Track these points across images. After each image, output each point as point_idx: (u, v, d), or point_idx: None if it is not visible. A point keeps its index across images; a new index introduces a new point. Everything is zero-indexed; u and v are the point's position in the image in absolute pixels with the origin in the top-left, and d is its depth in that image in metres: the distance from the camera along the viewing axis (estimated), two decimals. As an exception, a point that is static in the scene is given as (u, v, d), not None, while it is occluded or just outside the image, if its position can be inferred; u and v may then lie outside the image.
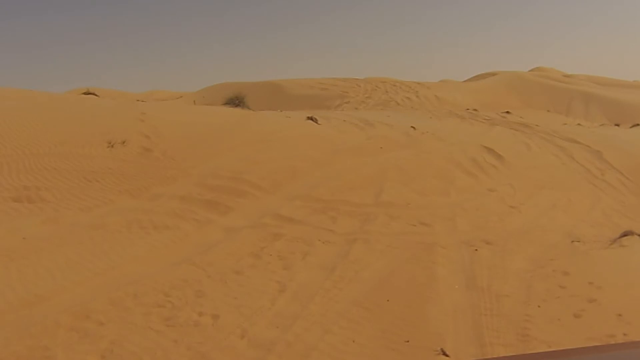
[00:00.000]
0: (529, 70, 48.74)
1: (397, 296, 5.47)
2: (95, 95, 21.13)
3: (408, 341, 4.58)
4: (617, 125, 27.53)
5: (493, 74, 43.59)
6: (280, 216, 8.03)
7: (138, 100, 25.99)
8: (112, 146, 10.04)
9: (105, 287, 5.24)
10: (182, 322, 4.66)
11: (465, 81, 45.48)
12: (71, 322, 4.51)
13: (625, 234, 7.60)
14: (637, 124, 26.28)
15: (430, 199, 9.83)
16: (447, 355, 4.35)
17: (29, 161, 8.99)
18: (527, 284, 5.85)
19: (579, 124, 27.89)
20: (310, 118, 15.96)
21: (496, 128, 20.07)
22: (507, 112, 28.34)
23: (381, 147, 13.26)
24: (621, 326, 4.73)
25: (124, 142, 10.22)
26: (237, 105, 19.39)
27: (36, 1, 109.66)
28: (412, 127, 16.97)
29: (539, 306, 5.26)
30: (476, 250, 7.04)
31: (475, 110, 28.53)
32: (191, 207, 8.07)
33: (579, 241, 7.79)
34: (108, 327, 4.50)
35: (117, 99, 22.66)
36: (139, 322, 4.61)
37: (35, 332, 4.32)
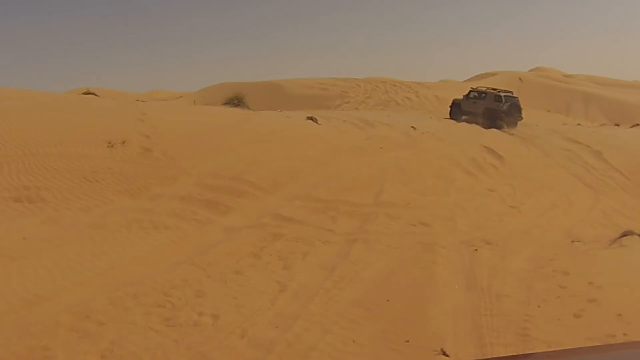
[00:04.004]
0: (529, 70, 48.77)
1: (397, 296, 5.47)
2: (95, 95, 21.14)
3: (408, 341, 4.58)
4: (617, 125, 27.54)
5: (493, 74, 43.62)
6: (280, 216, 8.03)
7: (138, 100, 26.02)
8: (112, 146, 10.04)
9: (105, 287, 5.24)
10: (182, 322, 4.66)
11: (465, 81, 45.47)
12: (71, 322, 4.51)
13: (625, 234, 7.59)
14: (637, 124, 26.30)
15: (430, 199, 9.83)
16: (447, 355, 4.35)
17: (29, 161, 8.99)
18: (527, 284, 5.85)
19: (579, 124, 27.91)
20: (310, 118, 15.97)
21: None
22: (507, 112, 28.28)
23: (381, 147, 13.26)
24: (621, 326, 4.73)
25: (124, 142, 10.22)
26: (237, 105, 19.42)
27: (36, 1, 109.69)
28: (412, 127, 16.98)
29: (539, 306, 5.25)
30: (476, 250, 7.04)
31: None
32: (191, 207, 8.07)
33: (579, 241, 7.80)
34: (108, 327, 4.50)
35: (117, 99, 22.67)
36: (139, 322, 4.61)
37: (35, 332, 4.32)
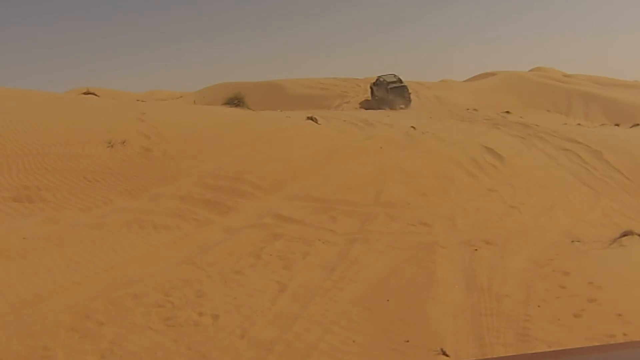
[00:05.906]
0: (529, 70, 48.69)
1: (397, 296, 5.47)
2: (95, 95, 21.14)
3: (408, 341, 4.58)
4: (617, 125, 27.51)
5: (493, 74, 43.54)
6: (280, 216, 8.03)
7: (138, 100, 26.01)
8: (112, 146, 10.04)
9: (105, 287, 5.24)
10: (182, 322, 4.66)
11: (465, 81, 45.43)
12: (71, 322, 4.51)
13: (625, 234, 7.58)
14: (637, 124, 26.27)
15: (430, 199, 9.83)
16: (447, 355, 4.35)
17: (29, 161, 8.99)
18: (527, 284, 5.85)
19: (579, 124, 27.87)
20: (310, 118, 15.96)
21: (496, 128, 20.10)
22: (507, 112, 28.34)
23: (381, 147, 13.25)
24: (621, 326, 4.73)
25: (124, 142, 10.22)
26: (237, 105, 19.39)
27: (36, 1, 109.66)
28: (412, 127, 16.97)
29: (539, 306, 5.26)
30: (476, 250, 7.04)
31: (475, 110, 28.53)
32: (191, 207, 8.07)
33: (579, 241, 7.79)
34: (108, 327, 4.51)
35: (117, 99, 22.67)
36: (139, 322, 4.61)
37: (35, 332, 4.32)
